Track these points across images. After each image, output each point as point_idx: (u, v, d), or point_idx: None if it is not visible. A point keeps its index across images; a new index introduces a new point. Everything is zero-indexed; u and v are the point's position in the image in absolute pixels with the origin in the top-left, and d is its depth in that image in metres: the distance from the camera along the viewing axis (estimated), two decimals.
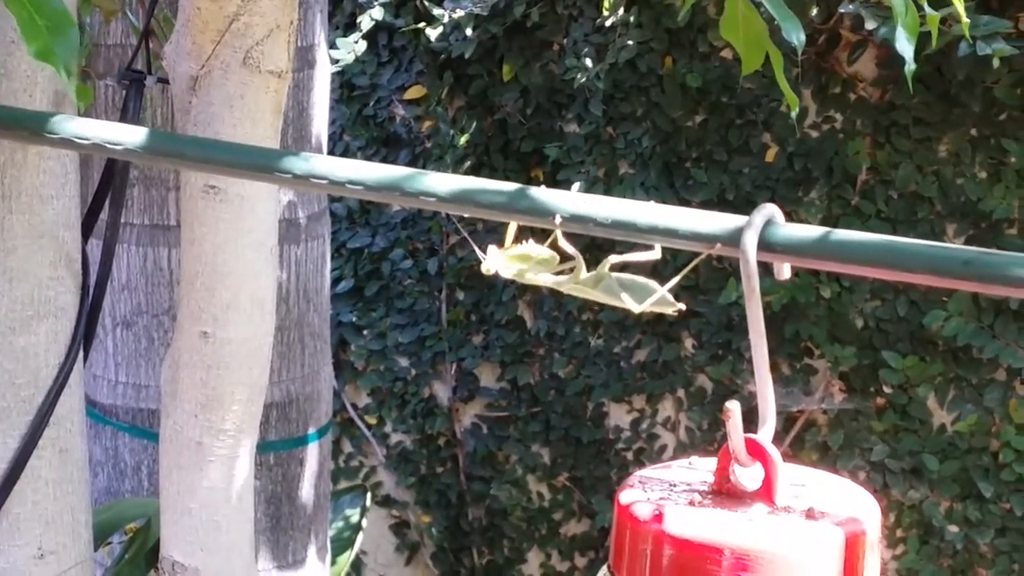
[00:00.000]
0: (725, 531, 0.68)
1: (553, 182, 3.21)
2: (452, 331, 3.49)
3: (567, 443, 3.38)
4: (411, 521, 3.63)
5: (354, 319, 3.58)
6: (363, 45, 3.29)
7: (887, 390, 2.97)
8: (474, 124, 3.33)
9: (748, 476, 0.71)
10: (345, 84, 3.51)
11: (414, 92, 3.44)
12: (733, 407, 0.69)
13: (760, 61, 1.91)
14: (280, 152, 0.78)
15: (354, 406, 3.64)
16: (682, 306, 0.78)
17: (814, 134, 2.98)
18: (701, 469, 0.74)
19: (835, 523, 0.69)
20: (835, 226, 2.89)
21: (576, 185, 3.14)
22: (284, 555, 2.36)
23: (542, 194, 0.74)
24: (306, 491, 2.40)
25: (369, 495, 3.02)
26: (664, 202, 3.10)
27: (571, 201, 0.73)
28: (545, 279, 0.78)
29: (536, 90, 3.24)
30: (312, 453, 2.38)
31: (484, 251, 0.77)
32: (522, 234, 0.78)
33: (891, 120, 2.89)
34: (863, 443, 3.00)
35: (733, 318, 3.10)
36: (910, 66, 2.06)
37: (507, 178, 3.29)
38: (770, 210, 0.69)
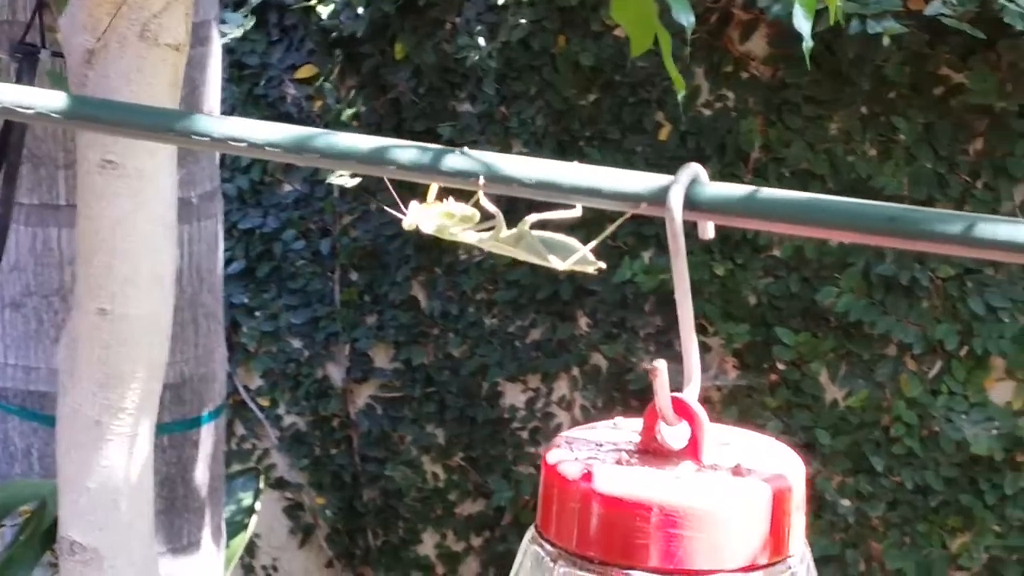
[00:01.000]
0: (654, 488, 0.67)
1: None
2: (346, 312, 3.47)
3: (462, 423, 3.38)
4: (305, 503, 3.60)
5: (246, 300, 3.54)
6: (252, 21, 3.26)
7: (780, 366, 3.00)
8: (366, 104, 3.31)
9: (674, 435, 0.71)
10: (235, 63, 3.47)
11: (305, 71, 3.41)
12: (660, 365, 0.69)
13: (649, 42, 1.91)
14: (198, 115, 0.77)
15: (246, 388, 3.61)
16: (602, 264, 0.77)
17: (707, 112, 3.00)
18: (626, 429, 0.74)
19: (762, 479, 0.69)
20: None
21: None
22: (178, 538, 2.34)
23: (467, 155, 0.73)
24: (200, 473, 2.38)
25: (262, 478, 2.99)
26: None
27: (495, 162, 0.73)
28: (467, 236, 0.77)
29: (429, 69, 3.23)
30: (207, 435, 2.36)
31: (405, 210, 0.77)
32: (443, 195, 0.77)
33: (783, 98, 2.92)
34: (756, 419, 3.02)
35: (627, 296, 3.11)
36: (807, 43, 2.08)
37: None
38: (695, 169, 0.69)
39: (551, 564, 0.70)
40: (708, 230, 0.70)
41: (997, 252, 0.65)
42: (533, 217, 0.76)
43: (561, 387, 3.28)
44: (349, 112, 3.26)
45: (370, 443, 3.49)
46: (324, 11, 3.21)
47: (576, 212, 0.74)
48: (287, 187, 3.51)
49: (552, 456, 0.72)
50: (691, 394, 0.71)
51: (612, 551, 0.68)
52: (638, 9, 1.93)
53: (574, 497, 0.69)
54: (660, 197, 0.68)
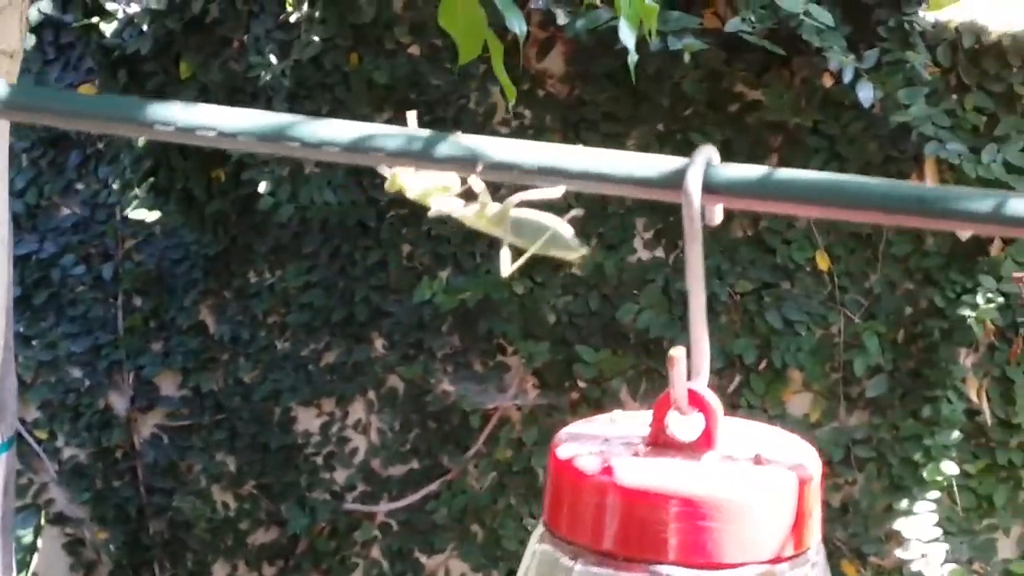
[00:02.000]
0: (680, 479, 0.65)
1: (236, 182, 3.13)
2: (130, 339, 3.36)
3: (254, 450, 3.30)
4: (87, 538, 3.47)
5: (21, 329, 3.41)
6: (31, 39, 3.14)
7: (581, 384, 3.01)
8: None
9: (686, 427, 0.69)
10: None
11: (84, 91, 3.30)
12: (678, 354, 0.67)
13: (478, 50, 1.90)
14: (162, 102, 0.72)
15: (22, 421, 3.46)
16: (586, 251, 0.75)
17: (504, 130, 3.00)
18: (629, 423, 0.72)
19: (785, 468, 0.67)
20: None
21: (263, 184, 3.04)
22: None
23: (462, 140, 0.70)
24: None
25: (43, 513, 2.88)
26: (352, 201, 3.07)
27: (492, 147, 0.70)
28: (450, 206, 0.75)
29: (216, 88, 3.15)
30: None
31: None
32: None
33: (580, 116, 2.94)
34: None
35: (424, 317, 3.08)
36: (632, 56, 2.09)
37: (186, 179, 3.20)
38: (709, 150, 0.67)
39: (569, 563, 0.67)
40: (717, 215, 0.68)
41: None
42: (518, 196, 0.74)
43: (357, 411, 3.23)
44: (141, 138, 3.16)
45: (156, 474, 3.39)
46: (107, 28, 3.11)
47: (559, 192, 0.72)
48: (65, 211, 3.40)
49: (563, 451, 0.69)
50: (702, 384, 0.69)
51: (636, 546, 0.65)
52: (467, 16, 1.91)
53: (593, 492, 0.66)
54: (675, 180, 0.66)
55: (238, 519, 3.35)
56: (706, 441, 0.68)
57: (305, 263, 3.17)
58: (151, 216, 3.16)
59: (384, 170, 0.78)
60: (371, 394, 3.20)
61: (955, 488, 2.83)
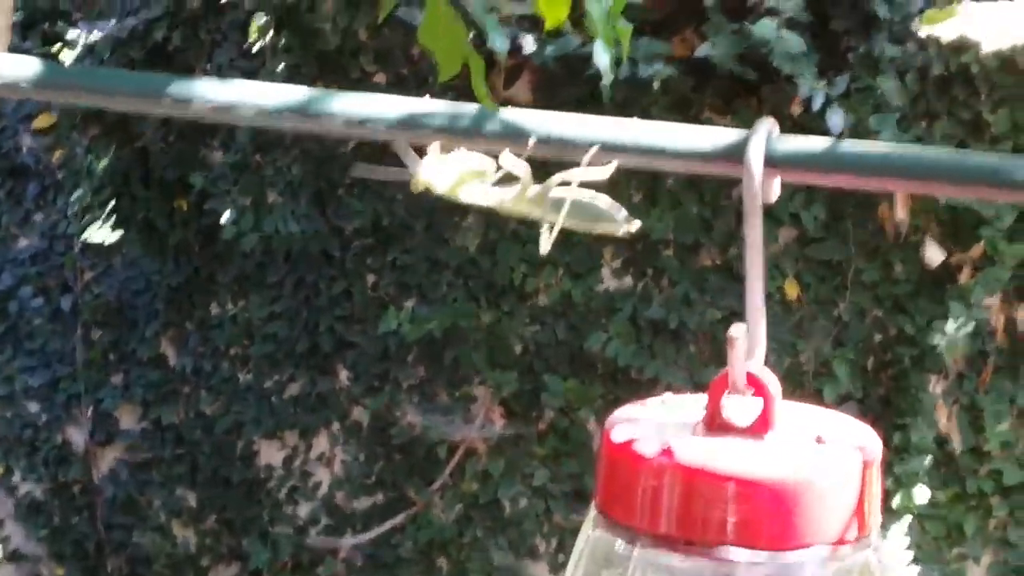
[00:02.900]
0: (743, 460, 0.64)
1: (199, 212, 3.10)
2: (88, 372, 3.31)
3: (215, 484, 3.25)
4: (43, 575, 3.42)
5: None
6: None
7: (549, 414, 2.98)
8: (112, 152, 3.18)
9: (742, 409, 0.67)
10: None
11: (43, 120, 3.27)
12: (738, 332, 0.65)
13: (458, 68, 1.88)
14: (194, 79, 0.70)
15: None
16: (635, 225, 0.72)
17: None
18: (682, 407, 0.70)
19: (847, 449, 0.65)
20: None
21: (226, 214, 3.01)
22: None
23: (511, 116, 0.68)
24: None
25: None
26: (316, 231, 3.05)
27: (545, 122, 0.68)
28: (485, 195, 0.71)
29: (179, 118, 3.12)
30: None
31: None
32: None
33: None
34: (525, 468, 3.00)
35: (390, 347, 3.05)
36: (607, 77, 2.07)
37: (148, 209, 3.16)
38: (770, 123, 0.66)
39: (627, 548, 0.65)
40: (775, 190, 0.67)
41: None
42: (560, 176, 0.71)
43: (321, 443, 3.19)
44: (102, 164, 3.13)
45: (115, 509, 3.34)
46: (68, 57, 3.07)
47: (608, 170, 0.69)
48: (24, 242, 3.35)
49: (617, 434, 0.67)
50: (759, 364, 0.68)
51: (698, 528, 0.63)
52: (448, 33, 1.89)
53: (654, 474, 0.64)
54: (736, 152, 0.65)
55: (199, 555, 3.30)
56: (765, 423, 0.66)
57: (268, 293, 3.13)
58: (111, 238, 3.11)
59: (408, 166, 0.76)
60: (335, 426, 3.17)
61: (924, 517, 2.83)
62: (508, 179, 0.72)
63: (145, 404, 3.29)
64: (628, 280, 2.93)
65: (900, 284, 2.79)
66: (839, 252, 2.80)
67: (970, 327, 2.73)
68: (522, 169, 0.70)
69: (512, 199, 0.71)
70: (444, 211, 2.98)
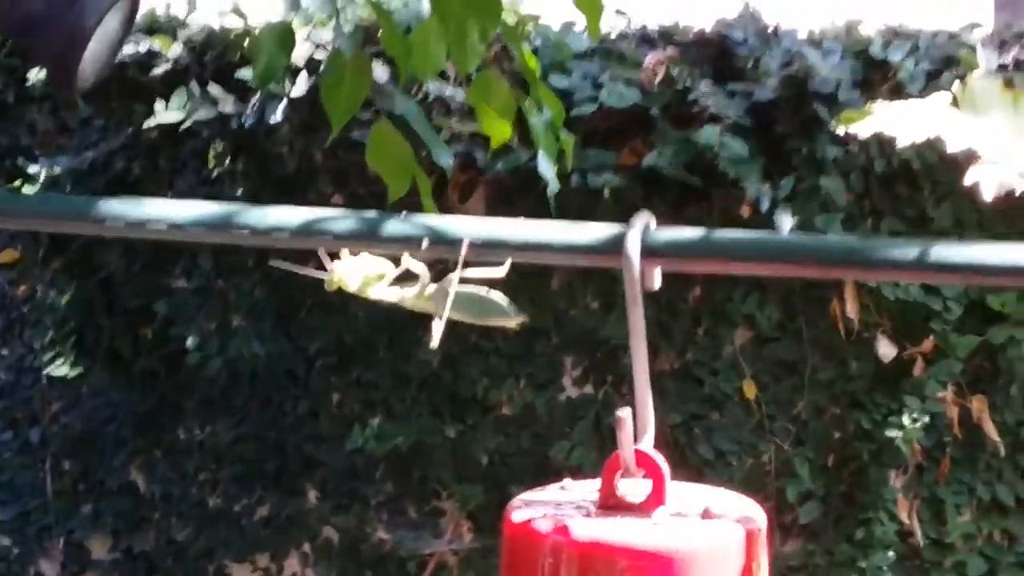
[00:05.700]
0: (634, 534, 0.67)
1: (164, 338, 3.13)
2: (59, 502, 3.32)
3: None
4: None
5: None
6: None
7: None
8: (75, 284, 3.22)
9: (634, 488, 0.70)
10: None
11: (7, 256, 3.31)
12: (625, 415, 0.69)
13: (406, 187, 1.93)
14: (107, 200, 0.74)
15: None
16: (524, 318, 0.78)
17: None
18: (579, 489, 0.73)
19: (732, 521, 0.69)
20: None
21: (191, 339, 3.03)
22: None
23: (409, 218, 0.72)
24: None
25: None
26: (280, 352, 3.08)
27: (437, 224, 0.72)
28: (389, 294, 0.77)
29: (141, 245, 3.16)
30: None
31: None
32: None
33: None
34: None
35: (357, 465, 3.07)
36: (552, 187, 2.13)
37: (112, 338, 3.19)
38: (646, 216, 0.70)
39: None
40: (656, 279, 0.71)
41: (952, 275, 0.67)
42: (458, 273, 0.76)
43: (292, 564, 3.20)
44: (65, 298, 3.16)
45: None
46: (30, 191, 3.12)
47: (503, 270, 0.74)
48: None
49: (517, 516, 0.70)
50: (649, 444, 0.71)
51: None
52: (394, 155, 1.94)
53: (550, 551, 0.68)
54: (616, 245, 0.69)
55: None
56: (656, 499, 0.70)
57: (235, 416, 3.16)
58: (73, 372, 3.14)
59: (322, 266, 0.80)
60: (306, 546, 3.18)
61: None
62: (410, 277, 0.77)
63: (116, 533, 3.29)
64: (589, 388, 2.97)
65: (855, 381, 2.83)
66: (794, 352, 2.84)
67: (926, 419, 2.77)
68: (421, 269, 0.75)
69: (413, 296, 0.76)
70: (405, 327, 3.02)
